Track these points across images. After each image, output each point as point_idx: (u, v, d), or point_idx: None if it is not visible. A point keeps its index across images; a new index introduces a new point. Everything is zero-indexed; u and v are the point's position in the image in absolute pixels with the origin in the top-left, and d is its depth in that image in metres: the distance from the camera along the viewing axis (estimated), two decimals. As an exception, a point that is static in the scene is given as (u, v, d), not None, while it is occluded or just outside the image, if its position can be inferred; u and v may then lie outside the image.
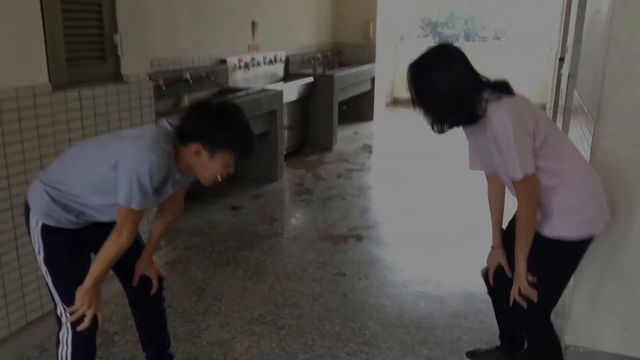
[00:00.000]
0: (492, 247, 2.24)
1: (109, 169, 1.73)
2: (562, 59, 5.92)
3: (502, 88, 1.83)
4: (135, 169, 1.68)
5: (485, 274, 2.31)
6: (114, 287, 3.03)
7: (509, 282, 2.05)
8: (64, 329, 1.90)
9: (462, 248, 3.71)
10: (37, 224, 1.84)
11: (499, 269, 2.21)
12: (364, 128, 7.75)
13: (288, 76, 6.39)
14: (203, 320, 2.79)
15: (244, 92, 4.70)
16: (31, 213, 1.85)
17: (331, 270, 3.36)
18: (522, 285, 1.95)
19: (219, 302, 2.97)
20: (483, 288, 3.12)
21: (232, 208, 4.43)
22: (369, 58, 8.02)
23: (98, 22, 2.96)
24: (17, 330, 2.61)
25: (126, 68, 3.16)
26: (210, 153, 1.74)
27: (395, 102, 9.97)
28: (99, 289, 1.86)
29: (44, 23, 2.61)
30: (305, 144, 6.43)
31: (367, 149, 6.62)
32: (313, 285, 3.16)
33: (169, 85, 4.29)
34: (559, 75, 5.92)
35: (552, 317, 2.11)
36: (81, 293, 1.80)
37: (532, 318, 2.02)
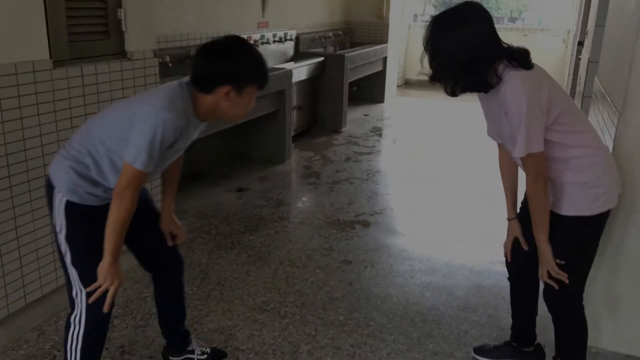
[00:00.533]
0: (508, 219, 2.18)
1: (128, 132, 1.69)
2: (580, 43, 5.74)
3: (521, 59, 1.76)
4: (148, 127, 1.65)
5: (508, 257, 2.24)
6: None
7: (527, 258, 2.06)
8: (77, 311, 1.85)
9: (472, 237, 3.62)
10: (60, 201, 1.78)
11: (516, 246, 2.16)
12: (375, 110, 7.62)
13: (298, 55, 6.25)
14: (205, 306, 2.73)
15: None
16: (55, 190, 1.79)
17: (337, 257, 3.28)
18: (550, 267, 1.92)
19: (221, 287, 2.91)
20: (492, 280, 3.06)
21: (238, 190, 4.36)
22: (381, 38, 7.84)
23: (102, -4, 2.85)
24: (15, 312, 2.57)
25: (130, 44, 3.06)
26: (238, 91, 1.75)
27: (407, 83, 9.80)
28: (119, 264, 1.78)
29: (44, -3, 2.51)
30: (313, 125, 6.32)
31: (377, 131, 6.50)
32: (318, 272, 3.09)
33: (175, 62, 4.18)
34: (577, 60, 5.75)
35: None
36: (103, 270, 1.75)
37: (564, 300, 1.99)
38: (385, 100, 8.07)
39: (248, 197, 4.23)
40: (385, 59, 7.84)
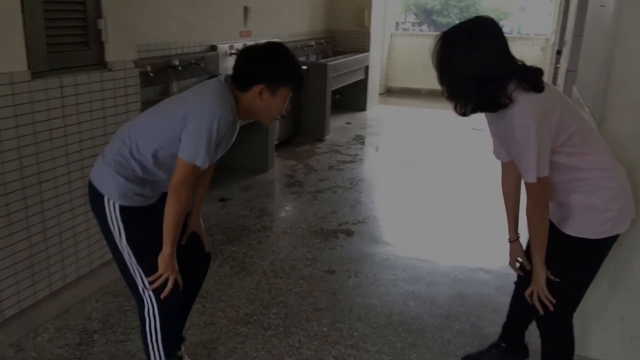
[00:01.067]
0: (509, 240, 2.16)
1: (179, 131, 1.76)
2: (559, 53, 5.83)
3: (532, 80, 1.70)
4: (206, 124, 1.72)
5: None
6: (94, 283, 2.95)
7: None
8: (148, 306, 1.95)
9: (455, 245, 3.64)
10: (114, 207, 1.85)
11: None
12: (357, 118, 7.64)
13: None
14: (187, 319, 2.69)
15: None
16: (105, 198, 1.85)
17: (320, 267, 3.27)
18: (540, 291, 1.89)
19: (204, 299, 2.88)
20: (475, 288, 3.08)
21: (221, 200, 4.33)
22: (363, 46, 7.88)
23: (81, 7, 2.82)
24: (-8, 328, 2.52)
25: (111, 54, 3.03)
26: (272, 90, 1.82)
27: (389, 91, 9.86)
28: (175, 251, 1.87)
29: (22, 7, 2.48)
30: (297, 134, 6.32)
31: (360, 139, 6.52)
32: (301, 283, 3.08)
33: (156, 71, 4.15)
34: (556, 68, 5.84)
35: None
36: (163, 259, 1.84)
37: (553, 322, 1.97)
38: (368, 108, 8.11)
39: (231, 207, 4.20)
40: (367, 68, 7.88)
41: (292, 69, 1.85)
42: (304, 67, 6.19)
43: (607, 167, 1.82)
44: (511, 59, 1.72)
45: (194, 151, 1.74)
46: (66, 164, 2.76)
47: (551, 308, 1.89)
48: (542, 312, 1.92)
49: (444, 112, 7.97)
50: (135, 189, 1.86)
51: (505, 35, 1.72)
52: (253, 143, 5.06)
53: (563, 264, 1.88)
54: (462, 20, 1.77)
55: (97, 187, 1.87)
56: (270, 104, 1.84)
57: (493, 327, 2.69)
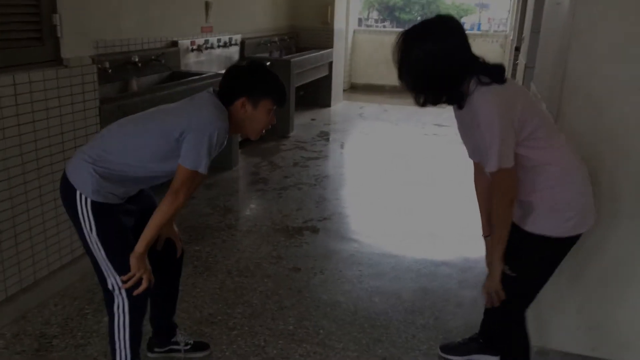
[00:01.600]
0: (483, 235, 2.14)
1: (173, 141, 1.85)
2: (517, 49, 5.95)
3: (494, 73, 1.73)
4: (208, 136, 1.83)
5: None
6: (52, 286, 2.87)
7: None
8: (118, 300, 1.97)
9: (419, 240, 3.68)
10: (85, 201, 1.88)
11: None
12: (321, 114, 7.64)
13: (243, 60, 6.19)
14: (149, 320, 2.64)
15: (197, 77, 4.51)
16: (78, 192, 1.89)
17: (286, 265, 3.26)
18: (495, 287, 1.90)
19: (167, 300, 2.83)
20: (438, 282, 3.12)
21: (184, 198, 4.26)
22: (327, 43, 7.88)
23: (34, 1, 2.72)
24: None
25: (67, 51, 2.93)
26: (254, 103, 1.94)
27: (353, 87, 9.90)
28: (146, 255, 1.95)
29: (-30, 1, 2.38)
30: (260, 131, 6.26)
31: (325, 136, 6.52)
32: (266, 281, 3.06)
33: (115, 68, 4.05)
34: (515, 65, 5.96)
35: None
36: (136, 259, 1.90)
37: (506, 316, 1.99)
38: (332, 104, 8.12)
39: (194, 205, 4.15)
40: (331, 64, 7.88)
41: (273, 83, 1.99)
42: (268, 63, 6.18)
43: (569, 166, 1.82)
44: (472, 56, 1.75)
45: (197, 159, 1.83)
46: (21, 164, 2.67)
47: (497, 304, 1.91)
48: (489, 306, 1.94)
49: (408, 108, 8.05)
50: (110, 188, 1.90)
51: (466, 32, 1.75)
52: (216, 140, 4.99)
53: (521, 260, 1.88)
54: (424, 18, 1.80)
55: (71, 181, 1.90)
56: (253, 116, 1.96)
57: (456, 321, 2.74)
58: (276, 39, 7.17)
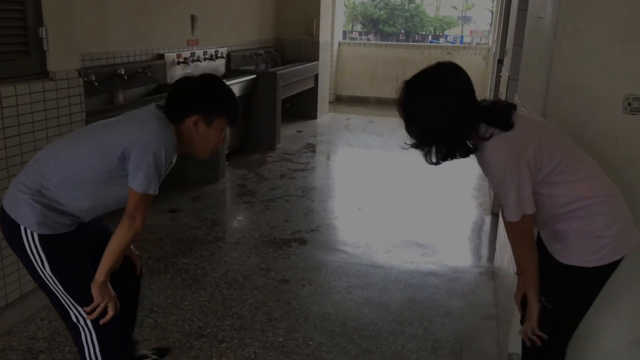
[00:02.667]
0: (516, 273, 1.99)
1: (115, 160, 1.73)
2: (500, 61, 6.04)
3: (501, 120, 1.66)
4: (153, 153, 1.70)
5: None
6: (38, 301, 2.83)
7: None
8: (84, 333, 1.87)
9: (407, 251, 3.70)
10: (32, 236, 1.75)
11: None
12: (308, 126, 7.67)
13: (230, 72, 6.21)
14: (138, 334, 2.62)
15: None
16: (22, 227, 1.75)
17: (274, 276, 3.26)
18: (534, 326, 1.82)
19: (155, 314, 2.81)
20: (426, 293, 3.14)
21: (170, 211, 4.25)
22: (312, 55, 7.93)
23: (21, 14, 2.72)
24: None
25: (53, 64, 2.93)
26: (207, 122, 1.81)
27: (339, 99, 9.95)
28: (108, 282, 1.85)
29: (-43, 14, 2.37)
30: (247, 143, 6.28)
31: (311, 147, 6.55)
32: (255, 293, 3.05)
33: (101, 81, 4.05)
34: (498, 77, 6.04)
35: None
36: (98, 288, 1.80)
37: (547, 351, 1.88)
38: (318, 116, 8.16)
39: (181, 218, 4.13)
40: (316, 76, 7.93)
41: (229, 101, 1.86)
42: (253, 77, 6.19)
43: (599, 193, 1.73)
44: (475, 102, 1.69)
45: (146, 181, 1.72)
46: (7, 177, 2.65)
47: (538, 343, 1.83)
48: (537, 342, 1.83)
49: (393, 120, 8.11)
50: (54, 217, 1.77)
51: (469, 78, 1.70)
52: (203, 153, 4.99)
53: (558, 293, 1.80)
54: (424, 68, 1.73)
55: (11, 216, 1.76)
56: (207, 134, 1.83)
57: (445, 331, 2.76)
58: (262, 51, 7.21)
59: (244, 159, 5.85)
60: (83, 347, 1.89)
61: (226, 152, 5.31)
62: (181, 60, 5.23)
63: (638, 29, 1.91)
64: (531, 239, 1.76)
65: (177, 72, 5.18)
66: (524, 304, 1.92)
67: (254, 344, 2.59)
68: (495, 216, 4.18)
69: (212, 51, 5.86)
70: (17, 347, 2.50)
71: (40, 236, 1.75)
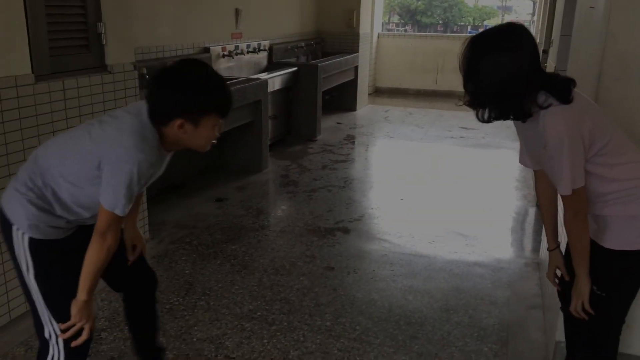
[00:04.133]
0: (548, 249, 2.05)
1: (93, 168, 1.61)
2: (545, 52, 5.96)
3: (562, 91, 1.65)
4: (124, 172, 1.57)
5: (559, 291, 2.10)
6: (100, 282, 2.98)
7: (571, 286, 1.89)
8: (53, 351, 1.75)
9: (450, 241, 3.72)
10: (22, 238, 1.67)
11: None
12: (347, 118, 7.72)
13: (272, 65, 6.30)
14: (192, 316, 2.75)
15: (229, 81, 4.62)
16: (14, 227, 1.67)
17: (320, 264, 3.34)
18: (584, 302, 1.80)
19: (207, 297, 2.93)
20: (471, 282, 3.17)
21: (217, 200, 4.38)
22: (352, 47, 7.97)
23: (82, 11, 2.87)
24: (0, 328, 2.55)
25: (110, 57, 3.07)
26: (194, 123, 1.62)
27: (378, 91, 9.95)
28: (93, 301, 1.73)
29: (26, 12, 2.52)
30: (288, 134, 6.37)
31: (351, 139, 6.60)
32: (302, 279, 3.14)
33: (152, 74, 4.18)
34: (543, 67, 5.95)
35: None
36: (77, 307, 1.67)
37: (601, 338, 1.89)
38: (358, 108, 8.20)
39: (227, 207, 4.25)
40: (356, 68, 7.96)
41: (214, 93, 1.64)
42: (295, 69, 6.27)
43: None
44: (540, 69, 1.66)
45: (113, 200, 1.58)
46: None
47: (585, 317, 1.82)
48: (585, 317, 1.82)
49: (433, 112, 8.09)
50: (48, 221, 1.67)
51: (536, 43, 1.66)
52: (246, 144, 5.11)
53: (607, 279, 1.79)
54: (494, 26, 1.70)
55: (6, 214, 1.69)
56: (196, 134, 1.65)
57: (491, 319, 2.78)
58: (303, 44, 7.28)
59: (286, 150, 5.95)
60: None
61: (269, 143, 5.41)
62: (225, 53, 5.35)
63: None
64: (585, 214, 1.74)
65: (222, 65, 5.30)
66: (561, 281, 1.97)
67: (303, 327, 2.67)
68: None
69: (255, 44, 5.96)
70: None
71: (30, 239, 1.67)
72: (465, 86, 1.69)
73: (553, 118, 1.63)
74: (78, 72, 2.88)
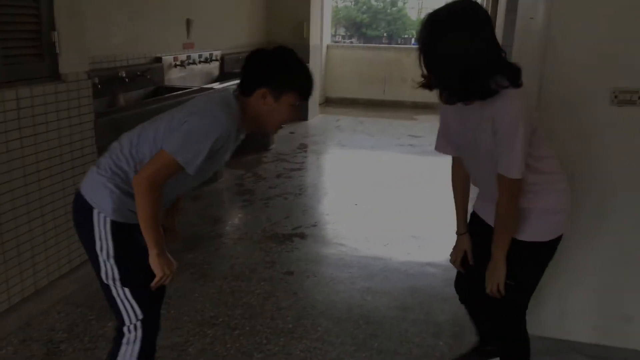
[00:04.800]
0: (458, 233, 2.15)
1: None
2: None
3: (515, 74, 1.61)
4: (203, 126, 1.64)
5: (457, 281, 2.28)
6: (57, 292, 2.94)
7: (476, 272, 1.99)
8: (129, 336, 1.82)
9: (404, 243, 3.84)
10: (104, 222, 1.72)
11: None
12: (300, 127, 7.81)
13: (223, 75, 6.33)
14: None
15: (181, 91, 4.62)
16: (95, 211, 1.72)
17: (279, 269, 3.39)
18: (500, 284, 1.86)
19: (167, 305, 2.91)
20: (425, 282, 3.29)
21: (173, 209, 4.35)
22: (303, 58, 8.02)
23: (35, 19, 2.83)
24: None
25: (64, 66, 3.04)
26: (275, 96, 1.75)
27: (328, 101, 10.10)
28: (164, 249, 1.76)
29: (-22, 18, 2.48)
30: (242, 144, 6.37)
31: (304, 148, 6.68)
32: (263, 284, 3.18)
33: (104, 83, 4.15)
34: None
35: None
36: (156, 263, 1.72)
37: (510, 324, 2.01)
38: (310, 117, 8.30)
39: (184, 216, 4.24)
40: (307, 78, 8.06)
41: (299, 76, 1.77)
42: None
43: (559, 171, 1.85)
44: (499, 48, 1.61)
45: (179, 146, 1.62)
46: (23, 176, 2.74)
47: (498, 296, 1.90)
48: (500, 297, 1.89)
49: (383, 121, 8.29)
50: (130, 204, 1.72)
51: (492, 21, 1.62)
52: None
53: (519, 268, 1.86)
54: (447, 3, 1.61)
55: (87, 199, 1.74)
56: (274, 109, 1.77)
57: (445, 315, 2.91)
58: (254, 54, 7.32)
59: (240, 159, 5.97)
60: (121, 345, 1.84)
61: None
62: (177, 63, 5.34)
63: (624, 27, 2.09)
64: (518, 201, 1.76)
65: (174, 75, 5.29)
66: (463, 263, 2.12)
67: (265, 330, 2.71)
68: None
69: (206, 54, 5.98)
70: (38, 337, 2.60)
71: (112, 223, 1.72)
72: (425, 67, 1.62)
73: (512, 101, 1.61)
74: (32, 81, 2.83)
